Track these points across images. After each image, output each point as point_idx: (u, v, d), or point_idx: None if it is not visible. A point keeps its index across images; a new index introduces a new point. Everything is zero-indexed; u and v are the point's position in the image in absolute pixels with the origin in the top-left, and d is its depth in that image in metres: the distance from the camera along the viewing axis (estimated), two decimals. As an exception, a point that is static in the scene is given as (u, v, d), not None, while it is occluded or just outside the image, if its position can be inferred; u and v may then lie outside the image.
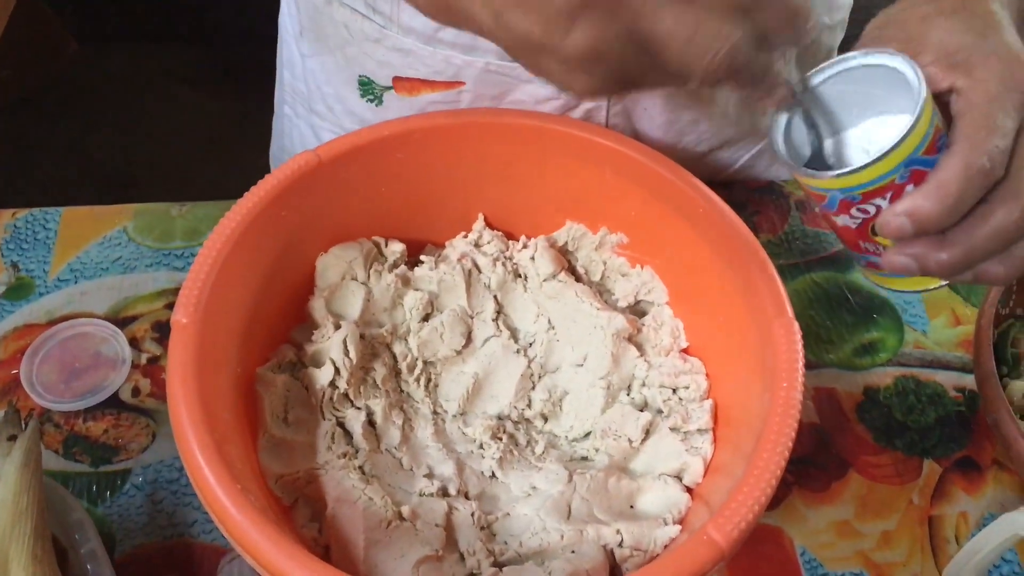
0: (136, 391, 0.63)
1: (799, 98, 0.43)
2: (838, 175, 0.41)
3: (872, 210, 0.41)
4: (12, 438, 0.50)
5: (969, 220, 0.40)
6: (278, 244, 0.56)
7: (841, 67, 0.44)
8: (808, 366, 0.48)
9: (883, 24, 0.46)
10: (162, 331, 0.66)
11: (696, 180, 0.57)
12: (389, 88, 0.68)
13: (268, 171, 0.56)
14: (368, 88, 0.69)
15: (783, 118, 0.45)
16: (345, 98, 0.71)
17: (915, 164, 0.39)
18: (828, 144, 0.46)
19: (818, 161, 0.46)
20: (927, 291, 0.46)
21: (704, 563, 0.42)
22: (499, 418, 0.58)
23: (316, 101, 0.74)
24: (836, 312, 0.69)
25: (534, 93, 0.65)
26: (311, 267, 0.60)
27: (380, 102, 0.69)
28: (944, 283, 0.45)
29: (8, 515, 0.46)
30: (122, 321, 0.66)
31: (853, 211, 0.41)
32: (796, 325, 0.50)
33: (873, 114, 0.45)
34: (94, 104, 1.82)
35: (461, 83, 0.65)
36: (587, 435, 0.57)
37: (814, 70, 0.44)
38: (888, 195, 0.40)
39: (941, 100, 0.42)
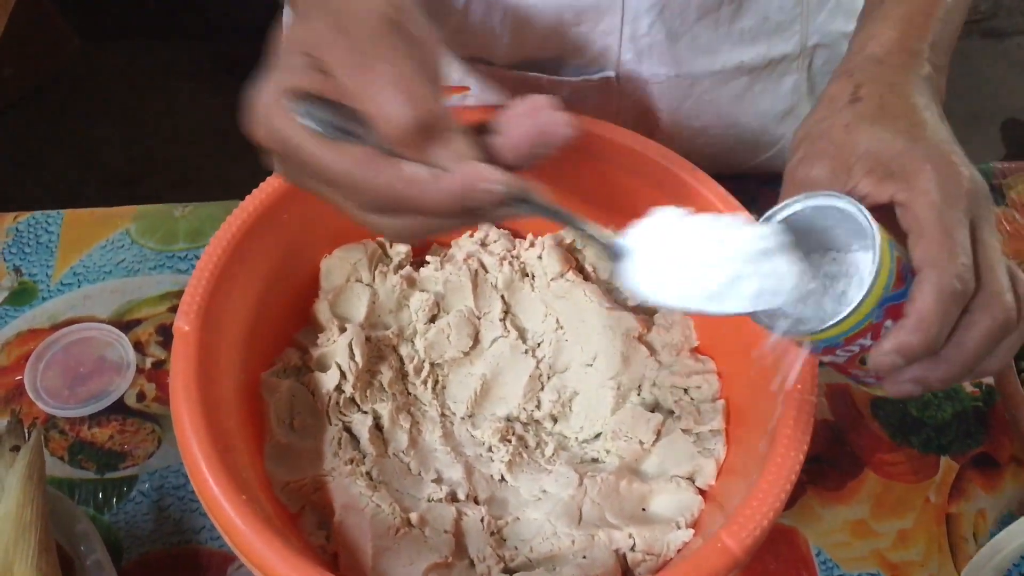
0: (141, 396, 0.63)
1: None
2: (815, 332, 0.40)
3: (856, 349, 0.41)
4: (15, 448, 0.49)
5: (957, 334, 0.40)
6: (281, 247, 0.56)
7: (786, 212, 0.42)
8: (821, 363, 0.47)
9: (806, 137, 0.45)
10: (166, 335, 0.65)
11: (708, 179, 0.56)
12: None
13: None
14: None
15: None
16: None
17: (887, 302, 0.39)
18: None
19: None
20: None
21: (719, 571, 0.42)
22: (508, 420, 0.57)
23: None
24: (849, 307, 0.68)
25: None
26: (315, 269, 0.59)
27: None
28: None
29: (12, 528, 0.45)
30: (126, 325, 0.66)
31: (838, 352, 0.41)
32: (810, 324, 0.48)
33: (828, 254, 0.43)
34: (97, 101, 1.82)
35: (466, 88, 0.64)
36: (597, 436, 0.57)
37: (761, 219, 0.43)
38: (868, 335, 0.40)
39: (883, 211, 0.41)
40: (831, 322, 0.39)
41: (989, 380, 0.63)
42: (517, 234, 0.64)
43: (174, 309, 0.65)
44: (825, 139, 0.44)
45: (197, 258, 0.50)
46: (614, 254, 0.42)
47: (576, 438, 0.57)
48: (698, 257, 0.40)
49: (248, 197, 0.54)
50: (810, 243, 0.42)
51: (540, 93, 0.61)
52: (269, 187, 0.54)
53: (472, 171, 0.36)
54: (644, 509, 0.53)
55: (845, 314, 0.39)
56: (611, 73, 0.63)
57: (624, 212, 0.60)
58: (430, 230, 0.39)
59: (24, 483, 0.47)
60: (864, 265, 0.40)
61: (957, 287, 0.38)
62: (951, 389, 0.64)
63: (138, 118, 1.81)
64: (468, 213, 0.37)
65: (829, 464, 0.60)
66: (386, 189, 0.36)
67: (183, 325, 0.48)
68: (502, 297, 0.60)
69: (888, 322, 0.39)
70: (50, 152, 1.75)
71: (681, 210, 0.41)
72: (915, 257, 0.39)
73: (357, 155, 0.36)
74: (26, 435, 0.50)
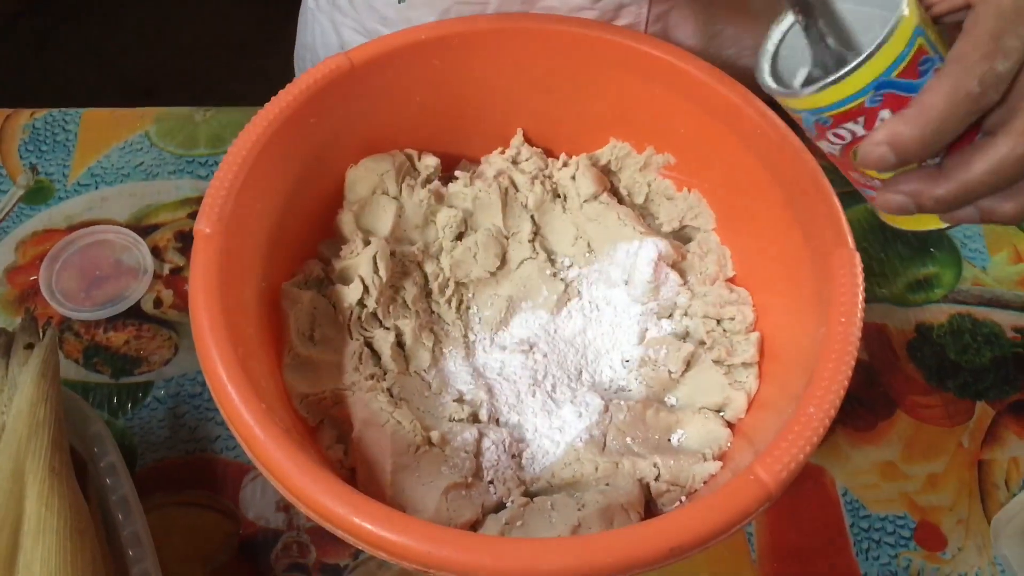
0: (158, 302, 0.61)
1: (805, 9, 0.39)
2: (799, 94, 0.37)
3: (847, 135, 0.37)
4: (29, 347, 0.48)
5: (967, 152, 0.36)
6: (306, 153, 0.53)
7: None
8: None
9: None
10: (185, 241, 0.63)
11: (754, 96, 0.53)
12: None
13: (292, 70, 0.52)
14: None
15: (778, 31, 0.41)
16: (377, 4, 0.67)
17: (888, 87, 0.36)
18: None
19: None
20: (931, 231, 0.42)
21: (750, 503, 0.40)
22: (532, 343, 0.55)
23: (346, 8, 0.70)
24: (891, 244, 0.65)
25: (568, 1, 0.60)
26: (340, 179, 0.57)
27: None
28: (948, 225, 0.41)
29: (25, 426, 0.44)
30: (144, 229, 0.64)
31: (829, 135, 0.38)
32: (858, 257, 0.46)
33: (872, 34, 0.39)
34: (116, 7, 1.78)
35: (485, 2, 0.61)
36: (625, 363, 0.55)
37: None
38: (860, 120, 0.36)
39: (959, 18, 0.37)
40: (816, 85, 0.36)
41: (1031, 326, 0.61)
42: (550, 153, 0.61)
43: (193, 215, 0.64)
44: None
45: (217, 164, 0.48)
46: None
47: (602, 364, 0.55)
48: None
49: (274, 98, 0.51)
50: (865, 22, 0.39)
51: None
52: (296, 89, 0.52)
53: None
54: (670, 439, 0.51)
55: (833, 77, 0.36)
56: None
57: (663, 130, 0.57)
58: None
59: (38, 380, 0.45)
60: (870, 47, 0.36)
61: (975, 89, 0.34)
62: (991, 333, 0.62)
63: (157, 27, 1.77)
64: None
65: (861, 404, 0.59)
66: None
67: (204, 227, 0.46)
68: (532, 217, 0.58)
69: (885, 111, 0.36)
70: (67, 58, 1.72)
71: None
72: (949, 53, 0.36)
73: None
74: (40, 333, 0.49)
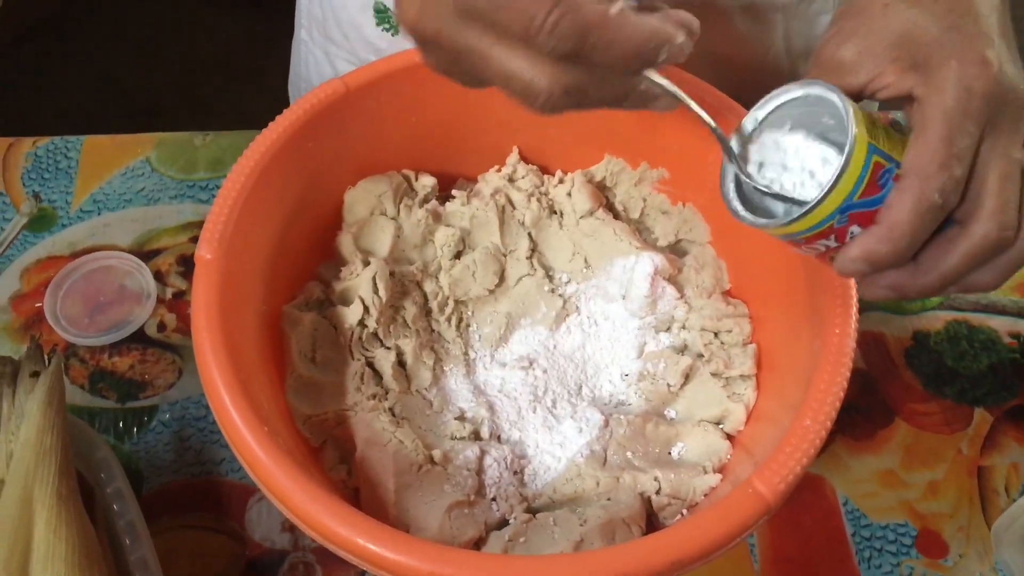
0: (162, 326, 0.62)
1: (745, 136, 0.42)
2: (767, 225, 0.39)
3: (822, 248, 0.39)
4: (35, 374, 0.48)
5: (939, 246, 0.38)
6: (304, 177, 0.54)
7: (783, 99, 0.41)
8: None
9: (844, 12, 0.42)
10: (187, 265, 0.64)
11: (743, 111, 0.53)
12: None
13: (288, 98, 0.53)
14: (384, 16, 0.66)
15: (730, 164, 0.43)
16: (361, 25, 0.68)
17: (853, 208, 0.37)
18: (789, 174, 0.42)
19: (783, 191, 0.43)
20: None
21: (749, 517, 0.41)
22: (532, 359, 0.56)
23: (331, 27, 0.71)
24: (886, 253, 0.66)
25: None
26: (339, 201, 0.58)
27: (396, 31, 0.66)
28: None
29: (32, 454, 0.45)
30: (146, 254, 0.65)
31: (804, 248, 0.40)
32: (851, 268, 0.47)
33: (822, 142, 0.41)
34: (117, 29, 1.79)
35: None
36: (624, 378, 0.55)
37: (755, 107, 0.42)
38: (832, 236, 0.38)
39: (904, 105, 0.40)
40: (785, 219, 0.38)
41: (1028, 332, 0.61)
42: (545, 170, 0.62)
43: (195, 239, 0.65)
44: (861, 17, 0.41)
45: (218, 188, 0.49)
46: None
47: (602, 379, 0.56)
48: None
49: (271, 124, 0.52)
50: (809, 125, 0.41)
51: None
52: (293, 115, 0.52)
53: (657, 19, 0.36)
54: (670, 453, 0.52)
55: (797, 214, 0.37)
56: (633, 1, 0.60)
57: (656, 145, 0.58)
58: (591, 93, 0.37)
59: (44, 408, 0.46)
60: (827, 182, 0.37)
61: (936, 201, 0.36)
62: (987, 340, 0.62)
63: (158, 46, 1.79)
64: (642, 64, 0.36)
65: (860, 413, 0.59)
66: (583, 14, 0.34)
67: (205, 253, 0.47)
68: (529, 234, 0.59)
69: (855, 227, 0.38)
70: (69, 80, 1.73)
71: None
72: (905, 160, 0.37)
73: None
74: (46, 361, 0.49)
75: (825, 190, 0.37)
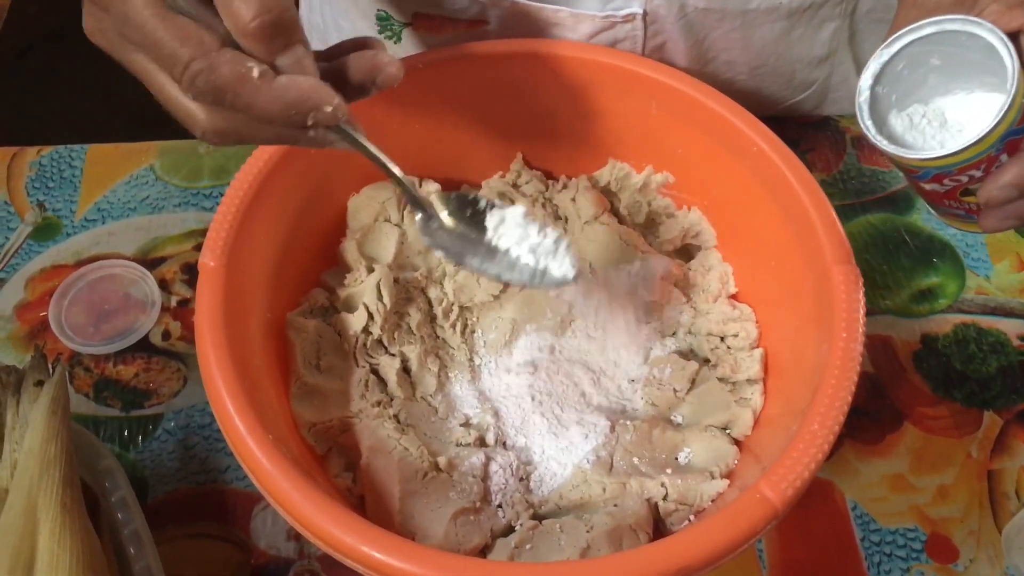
0: (167, 334, 0.62)
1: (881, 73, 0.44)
2: (936, 157, 0.41)
3: (965, 179, 0.42)
4: (39, 383, 0.48)
5: None
6: (308, 184, 0.54)
7: (920, 34, 0.43)
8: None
9: None
10: (191, 273, 0.64)
11: (749, 115, 0.53)
12: (408, 25, 0.65)
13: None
14: (387, 24, 0.66)
15: (866, 94, 0.44)
16: (362, 32, 0.68)
17: (1011, 136, 0.40)
18: (915, 110, 0.45)
19: (904, 129, 0.45)
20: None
21: (757, 522, 0.40)
22: (537, 365, 0.55)
23: (332, 36, 0.71)
24: (893, 256, 0.65)
25: (562, 37, 0.61)
26: (342, 208, 0.58)
27: (399, 39, 0.66)
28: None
29: (36, 463, 0.44)
30: (151, 262, 0.65)
31: (946, 181, 0.42)
32: (858, 272, 0.46)
33: (962, 80, 0.44)
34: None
35: (485, 22, 0.62)
36: (630, 383, 0.55)
37: (893, 36, 0.44)
38: (982, 167, 0.41)
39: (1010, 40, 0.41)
40: (952, 150, 0.40)
41: (1037, 334, 0.61)
42: (550, 175, 0.62)
43: (199, 247, 0.64)
44: None
45: (222, 195, 0.49)
46: (423, 211, 0.45)
47: (608, 384, 0.55)
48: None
49: (274, 131, 0.52)
50: (943, 67, 0.43)
51: (560, 27, 0.60)
52: (296, 121, 0.52)
53: (309, 84, 0.36)
54: (677, 458, 0.51)
55: (971, 140, 0.39)
56: (637, 9, 0.60)
57: (661, 149, 0.58)
58: (247, 137, 0.39)
59: (48, 418, 0.46)
60: (992, 98, 0.40)
61: None
62: (996, 342, 0.62)
63: (163, 57, 1.79)
64: (291, 125, 0.37)
65: (868, 417, 0.59)
66: (220, 75, 0.35)
67: (208, 261, 0.47)
68: (534, 240, 0.58)
69: (1004, 156, 0.40)
70: (74, 91, 1.74)
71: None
72: None
73: (192, 31, 0.35)
74: (50, 370, 0.49)
75: (998, 118, 0.39)
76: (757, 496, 0.41)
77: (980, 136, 0.39)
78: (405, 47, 0.66)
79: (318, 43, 0.73)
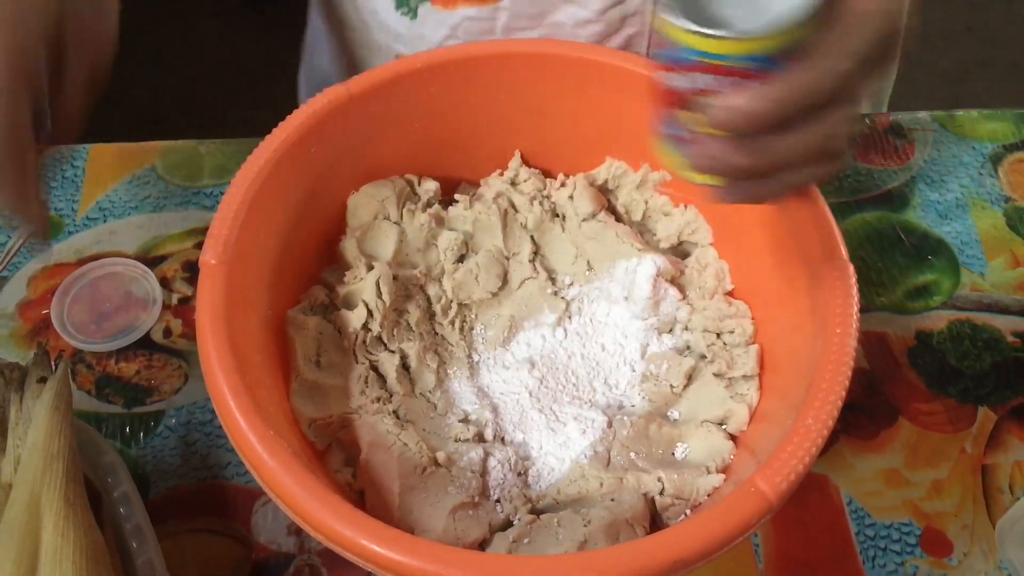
0: (168, 332, 0.62)
1: None
2: (701, 32, 0.37)
3: (699, 84, 0.38)
4: (42, 380, 0.49)
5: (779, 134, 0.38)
6: (307, 182, 0.54)
7: None
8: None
9: None
10: (192, 271, 0.65)
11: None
12: (424, 1, 0.65)
13: (296, 95, 0.54)
14: (403, 1, 0.66)
15: None
16: (378, 11, 0.68)
17: (770, 63, 0.36)
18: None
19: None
20: (705, 184, 0.42)
21: (751, 515, 0.41)
22: (535, 361, 0.56)
23: (348, 12, 0.71)
24: (888, 253, 0.66)
25: (575, 15, 0.61)
26: (342, 206, 0.58)
27: (415, 15, 0.67)
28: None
29: (40, 458, 0.45)
30: (152, 261, 0.65)
31: (692, 75, 0.38)
32: (851, 268, 0.47)
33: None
34: (122, 39, 1.80)
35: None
36: (627, 379, 0.56)
37: None
38: (723, 78, 0.37)
39: None
40: (726, 32, 0.36)
41: (1031, 330, 0.61)
42: (547, 173, 0.62)
43: (200, 245, 0.65)
44: None
45: (222, 194, 0.50)
46: None
47: (605, 380, 0.56)
48: None
49: (275, 130, 0.52)
50: None
51: (572, 3, 0.59)
52: (296, 120, 0.53)
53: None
54: (673, 454, 0.52)
55: (742, 33, 0.36)
56: None
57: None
58: None
59: (51, 414, 0.46)
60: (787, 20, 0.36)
61: (814, 88, 0.36)
62: (991, 338, 0.62)
63: (162, 56, 1.80)
64: None
65: (863, 413, 0.59)
66: None
67: (210, 259, 0.47)
68: (531, 237, 0.59)
69: (755, 82, 0.37)
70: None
71: None
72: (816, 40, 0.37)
73: None
74: (53, 367, 0.50)
75: (777, 25, 0.36)
76: (752, 490, 0.41)
77: (754, 33, 0.36)
78: (421, 24, 0.67)
79: (335, 22, 0.74)
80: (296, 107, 0.54)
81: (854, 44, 0.38)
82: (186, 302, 0.63)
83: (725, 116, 0.37)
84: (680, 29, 0.37)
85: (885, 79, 0.40)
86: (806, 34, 0.37)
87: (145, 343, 0.62)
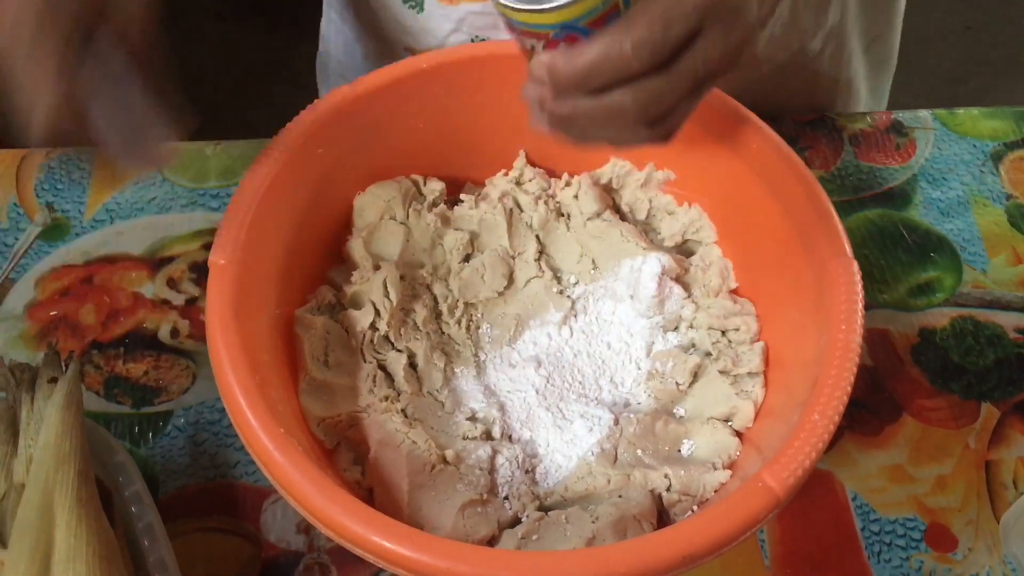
0: (175, 332, 0.63)
1: None
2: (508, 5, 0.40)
3: (529, 47, 0.42)
4: (53, 380, 0.49)
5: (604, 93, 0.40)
6: (314, 183, 0.55)
7: None
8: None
9: None
10: (199, 272, 0.65)
11: (749, 113, 0.54)
12: None
13: (298, 95, 0.54)
14: None
15: None
16: (388, 4, 0.69)
17: (572, 30, 0.40)
18: None
19: None
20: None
21: (759, 510, 0.41)
22: (541, 360, 0.56)
23: (363, 6, 0.72)
24: (891, 251, 0.66)
25: None
26: (348, 206, 0.58)
27: (421, 9, 0.67)
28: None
29: (52, 458, 0.45)
30: (159, 262, 0.66)
31: (517, 37, 0.42)
32: (856, 265, 0.47)
33: None
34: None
35: None
36: (633, 377, 0.56)
37: None
38: (542, 43, 0.41)
39: None
40: (520, 6, 0.40)
41: (1033, 327, 0.62)
42: (552, 173, 0.63)
43: (207, 246, 0.65)
44: None
45: (229, 196, 0.50)
46: None
47: (611, 378, 0.56)
48: None
49: (282, 131, 0.53)
50: None
51: None
52: (303, 122, 0.53)
53: None
54: (680, 450, 0.52)
55: (531, 7, 0.39)
56: None
57: (659, 151, 0.59)
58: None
59: (62, 414, 0.47)
60: None
61: (625, 52, 0.38)
62: (993, 335, 0.63)
63: (168, 61, 1.80)
64: None
65: (867, 409, 0.59)
66: None
67: (219, 259, 0.48)
68: (537, 237, 0.59)
69: (563, 44, 0.40)
70: (78, 94, 1.74)
71: None
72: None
73: None
74: (63, 367, 0.50)
75: (564, 2, 0.38)
76: (759, 485, 0.42)
77: (543, 8, 0.39)
78: (428, 17, 0.67)
79: (349, 15, 0.75)
80: (301, 103, 0.54)
81: (668, 14, 0.38)
82: (193, 303, 0.64)
83: (538, 73, 0.41)
84: (501, 4, 0.41)
85: (749, 66, 0.41)
86: (599, 5, 0.39)
87: (153, 343, 0.62)
